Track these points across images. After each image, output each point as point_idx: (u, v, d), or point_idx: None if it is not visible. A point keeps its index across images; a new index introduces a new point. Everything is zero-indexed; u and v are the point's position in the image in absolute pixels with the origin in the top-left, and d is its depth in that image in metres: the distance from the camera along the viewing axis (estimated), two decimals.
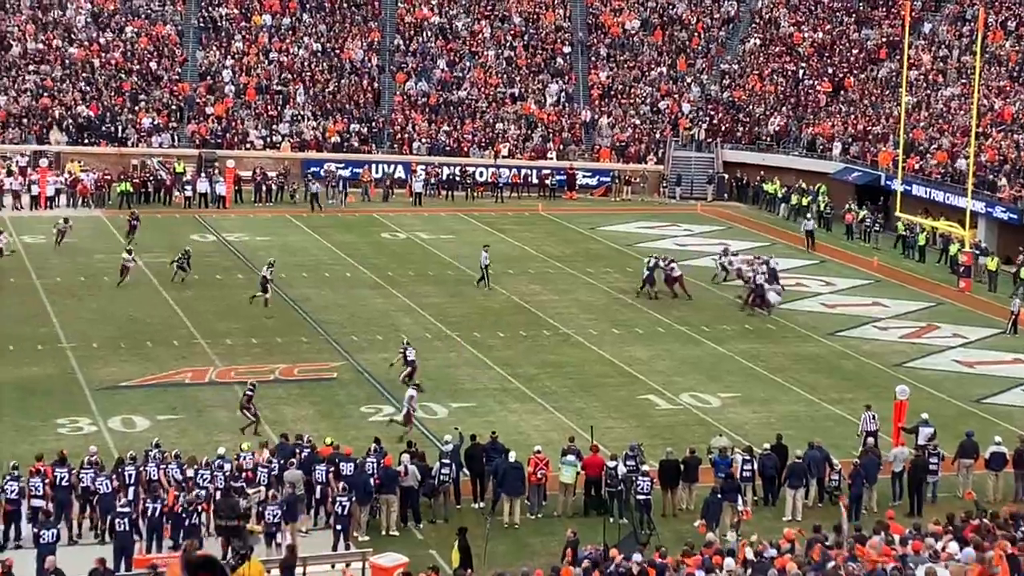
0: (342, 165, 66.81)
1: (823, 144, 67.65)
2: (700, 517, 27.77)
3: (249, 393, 32.64)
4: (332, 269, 50.94)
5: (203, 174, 63.20)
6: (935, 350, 42.78)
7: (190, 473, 27.58)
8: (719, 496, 28.03)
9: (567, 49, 77.35)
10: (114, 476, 27.00)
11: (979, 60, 58.47)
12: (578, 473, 29.88)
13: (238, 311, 43.39)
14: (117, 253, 49.02)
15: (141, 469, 27.47)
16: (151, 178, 62.91)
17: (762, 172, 68.36)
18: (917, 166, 60.86)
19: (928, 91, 67.55)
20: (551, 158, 70.40)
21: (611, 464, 29.26)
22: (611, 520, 27.87)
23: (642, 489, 28.25)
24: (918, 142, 62.80)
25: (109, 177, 61.99)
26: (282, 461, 28.56)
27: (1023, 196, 55.01)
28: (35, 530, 25.43)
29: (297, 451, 29.19)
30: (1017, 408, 36.70)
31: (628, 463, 29.41)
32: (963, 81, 66.22)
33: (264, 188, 63.73)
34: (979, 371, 40.19)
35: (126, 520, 25.57)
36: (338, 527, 26.93)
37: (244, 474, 27.99)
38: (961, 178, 56.54)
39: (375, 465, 28.49)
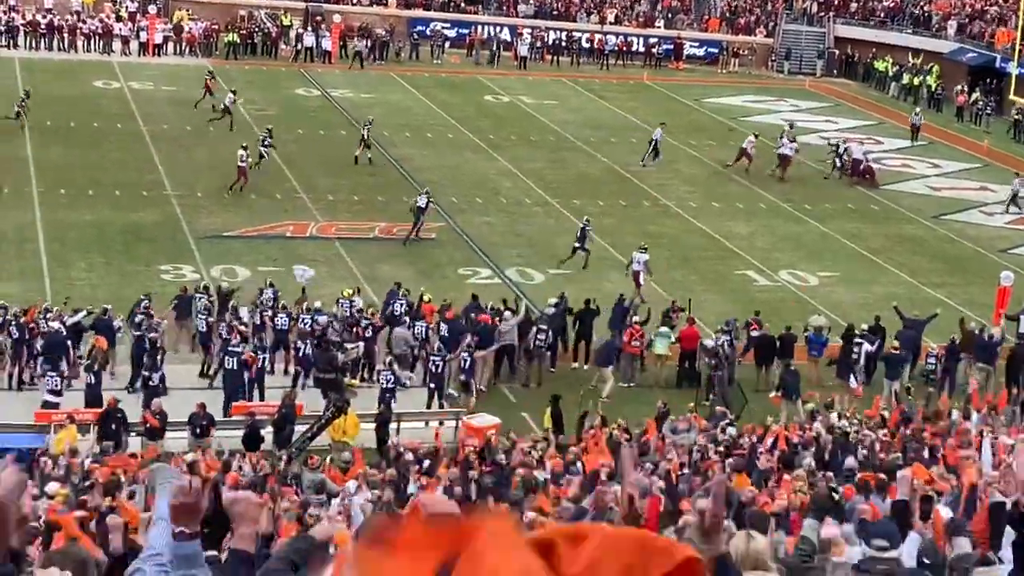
0: (448, 25, 66.41)
1: (938, 22, 66.07)
2: (776, 390, 28.11)
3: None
4: (434, 130, 50.92)
5: (309, 28, 63.17)
6: None
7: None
8: (794, 370, 28.24)
9: None
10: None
11: None
12: (672, 343, 30.05)
13: (340, 167, 43.60)
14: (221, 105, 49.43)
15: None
16: (258, 30, 63.01)
17: (874, 49, 66.99)
18: None
19: None
20: (659, 26, 69.44)
21: (708, 343, 29.39)
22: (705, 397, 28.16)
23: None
24: None
25: (217, 27, 62.14)
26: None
27: None
28: (144, 372, 26.18)
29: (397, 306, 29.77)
30: None
31: (723, 338, 29.49)
32: None
33: (370, 47, 63.49)
34: None
35: (235, 360, 26.23)
36: (431, 385, 27.31)
37: (348, 323, 28.59)
38: None
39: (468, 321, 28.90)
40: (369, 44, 62.56)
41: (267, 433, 24.29)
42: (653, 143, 46.55)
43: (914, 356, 30.22)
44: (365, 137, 44.48)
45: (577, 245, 35.72)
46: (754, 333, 30.33)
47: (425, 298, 30.32)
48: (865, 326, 30.68)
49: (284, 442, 23.72)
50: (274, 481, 18.56)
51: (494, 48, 65.34)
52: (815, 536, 10.06)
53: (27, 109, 45.18)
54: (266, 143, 42.56)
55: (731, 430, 22.84)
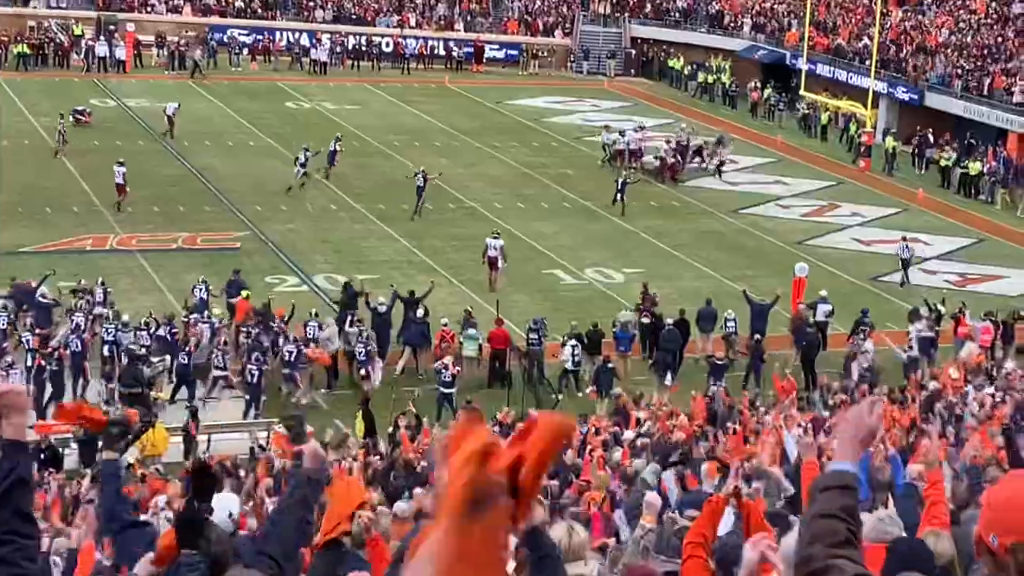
0: (245, 32, 65.70)
1: (731, 21, 67.68)
2: (591, 384, 28.75)
3: None
4: (235, 138, 50.33)
5: (102, 37, 61.84)
6: (834, 228, 43.43)
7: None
8: (609, 367, 28.80)
9: None
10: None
11: None
12: (481, 346, 30.25)
13: (139, 178, 42.75)
14: (13, 117, 48.17)
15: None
16: (49, 40, 61.44)
17: (667, 48, 68.35)
18: (822, 46, 61.14)
19: None
20: (459, 29, 69.74)
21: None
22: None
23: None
24: (824, 21, 63.05)
25: (6, 38, 60.43)
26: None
27: (924, 76, 55.56)
28: None
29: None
30: (911, 286, 37.39)
31: (531, 336, 29.84)
32: None
33: (168, 53, 62.43)
34: (876, 249, 40.79)
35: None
36: (246, 396, 27.05)
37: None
38: (865, 58, 56.91)
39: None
40: (201, 55, 61.70)
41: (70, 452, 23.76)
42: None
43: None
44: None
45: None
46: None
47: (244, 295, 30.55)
48: (670, 320, 31.30)
49: (89, 460, 23.19)
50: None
51: (296, 52, 64.80)
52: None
53: None
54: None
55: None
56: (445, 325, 30.14)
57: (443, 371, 27.89)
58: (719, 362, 29.50)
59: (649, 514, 9.84)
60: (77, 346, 27.32)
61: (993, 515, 3.44)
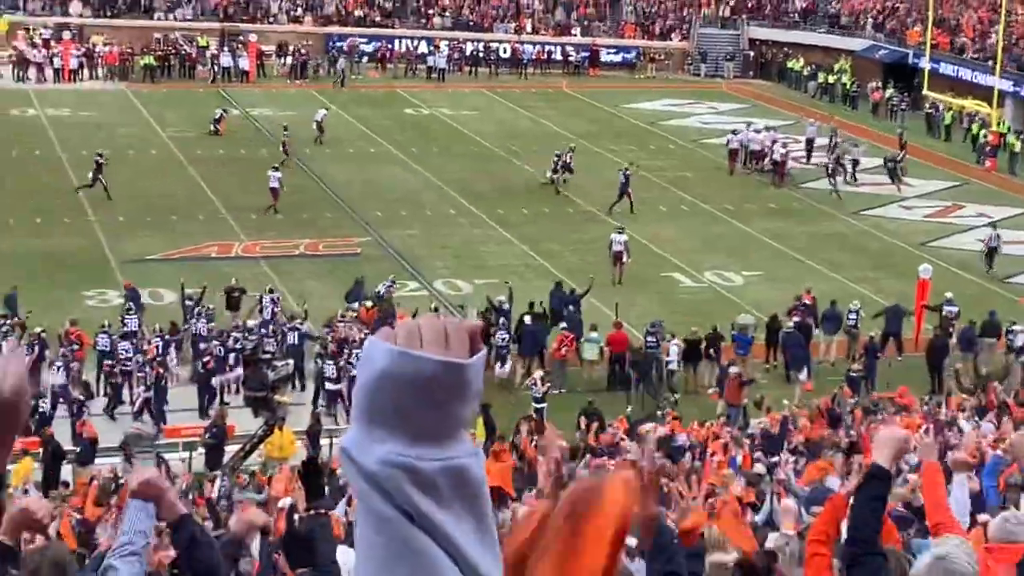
0: (365, 40, 66.36)
1: (850, 20, 66.93)
2: (715, 386, 28.77)
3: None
4: (356, 144, 50.86)
5: (226, 48, 62.90)
6: (959, 229, 42.73)
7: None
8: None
9: None
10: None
11: None
12: (602, 349, 30.27)
13: (263, 185, 43.32)
14: (139, 127, 49.28)
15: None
16: (175, 52, 62.61)
17: (786, 49, 67.76)
18: (946, 44, 60.21)
19: None
20: (575, 34, 69.79)
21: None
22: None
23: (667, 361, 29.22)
24: (947, 19, 62.08)
25: (131, 50, 61.66)
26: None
27: None
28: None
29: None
30: None
31: (649, 339, 29.83)
32: None
33: (292, 63, 63.34)
34: (1004, 251, 40.02)
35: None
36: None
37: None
38: (990, 56, 55.91)
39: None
40: (344, 62, 62.59)
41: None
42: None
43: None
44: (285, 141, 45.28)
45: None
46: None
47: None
48: (791, 324, 31.09)
49: (215, 463, 23.61)
50: (202, 503, 18.49)
51: (413, 59, 65.35)
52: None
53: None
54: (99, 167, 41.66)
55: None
56: (564, 328, 30.21)
57: (533, 387, 27.83)
58: (853, 374, 29.16)
59: (789, 521, 9.78)
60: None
61: None
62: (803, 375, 29.91)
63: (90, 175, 41.14)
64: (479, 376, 1.83)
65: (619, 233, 36.28)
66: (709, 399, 28.97)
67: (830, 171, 46.12)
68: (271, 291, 31.71)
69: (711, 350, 30.32)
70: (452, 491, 1.80)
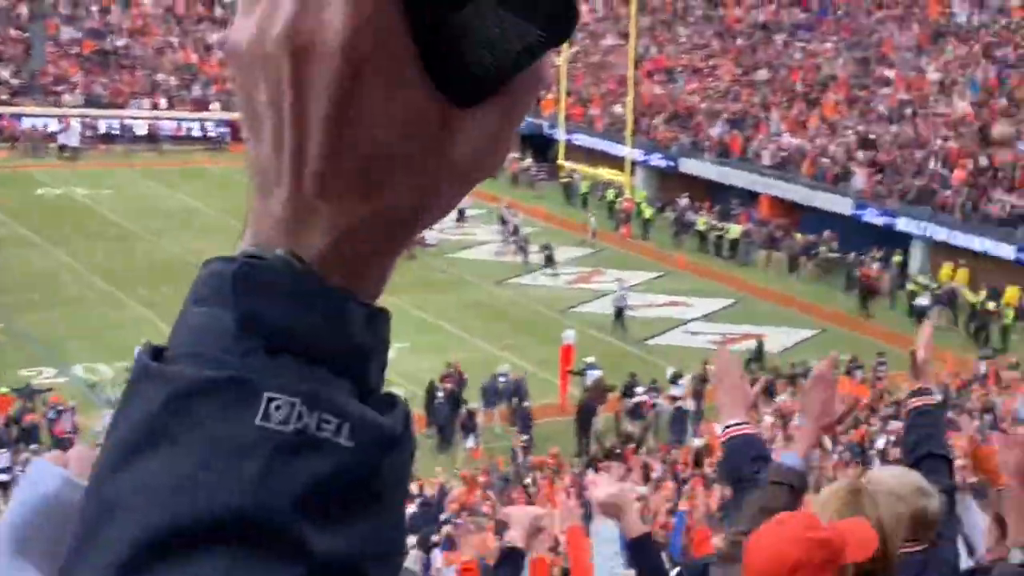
0: None
1: None
2: None
3: None
4: None
5: None
6: (600, 294, 43.94)
7: None
8: None
9: None
10: None
11: (633, 8, 59.87)
12: None
13: None
14: None
15: None
16: None
17: None
18: (579, 115, 62.25)
19: (587, 40, 69.24)
20: (214, 109, 68.82)
21: None
22: None
23: None
24: (579, 92, 64.25)
25: None
26: None
27: (678, 141, 56.98)
28: None
29: None
30: (675, 347, 38.01)
31: None
32: (619, 30, 67.90)
33: None
34: (641, 314, 41.35)
35: None
36: None
37: None
38: (620, 127, 58.05)
39: None
40: None
41: None
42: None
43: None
44: None
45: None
46: None
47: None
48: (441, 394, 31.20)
49: None
50: None
51: (41, 137, 63.00)
52: None
53: None
54: None
55: None
56: None
57: None
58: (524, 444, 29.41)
59: None
60: None
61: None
62: (470, 442, 30.05)
63: None
64: None
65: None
66: None
67: (522, 249, 46.70)
68: None
69: None
70: None
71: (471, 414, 31.14)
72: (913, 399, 4.55)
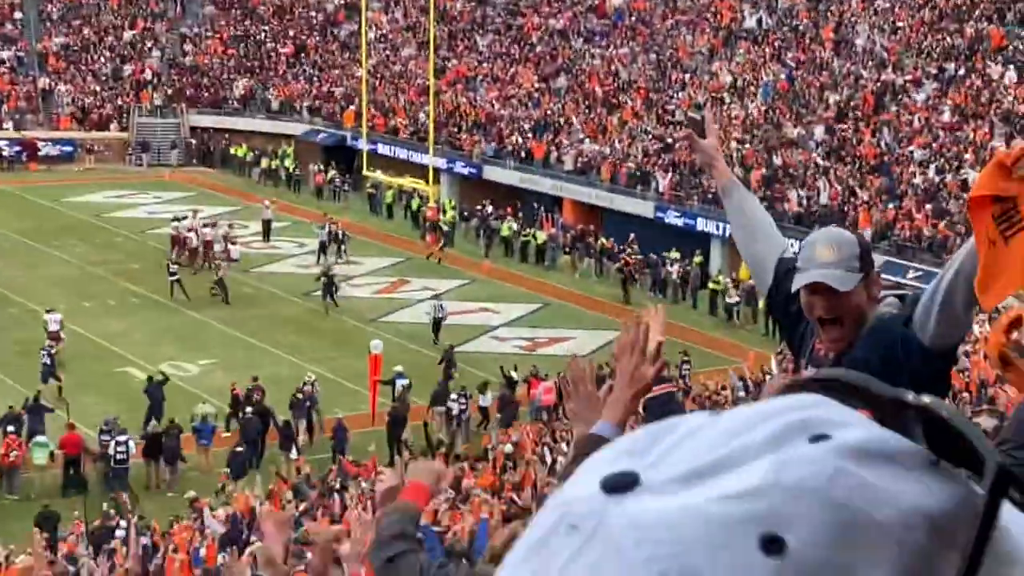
0: None
1: (286, 105, 68.06)
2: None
3: None
4: None
5: None
6: (407, 304, 44.07)
7: None
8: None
9: (18, 15, 73.78)
10: None
11: (431, 18, 60.18)
12: (52, 453, 29.04)
13: None
14: None
15: None
16: None
17: (227, 136, 68.01)
18: (382, 125, 62.26)
19: (387, 51, 69.32)
20: (8, 128, 67.04)
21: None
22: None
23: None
24: (380, 102, 64.28)
25: None
26: None
27: (481, 148, 57.41)
28: None
29: None
30: (483, 354, 38.35)
31: (103, 438, 28.95)
32: (419, 39, 68.05)
33: None
34: (450, 321, 41.48)
35: None
36: None
37: None
38: (423, 136, 58.23)
39: None
40: None
41: None
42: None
43: None
44: None
45: None
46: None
47: None
48: (250, 410, 30.99)
49: None
50: None
51: None
52: None
53: None
54: None
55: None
56: (11, 432, 28.78)
57: None
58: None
59: None
60: None
61: None
62: (292, 453, 30.00)
63: None
64: None
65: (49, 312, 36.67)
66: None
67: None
68: None
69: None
70: None
71: (287, 424, 31.00)
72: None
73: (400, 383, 32.62)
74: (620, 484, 0.63)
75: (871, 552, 0.62)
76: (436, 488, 4.75)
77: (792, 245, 4.57)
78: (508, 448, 26.76)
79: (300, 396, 32.22)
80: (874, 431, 0.69)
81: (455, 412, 32.37)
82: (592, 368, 3.98)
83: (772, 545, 0.59)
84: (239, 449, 29.84)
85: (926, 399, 0.75)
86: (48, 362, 34.03)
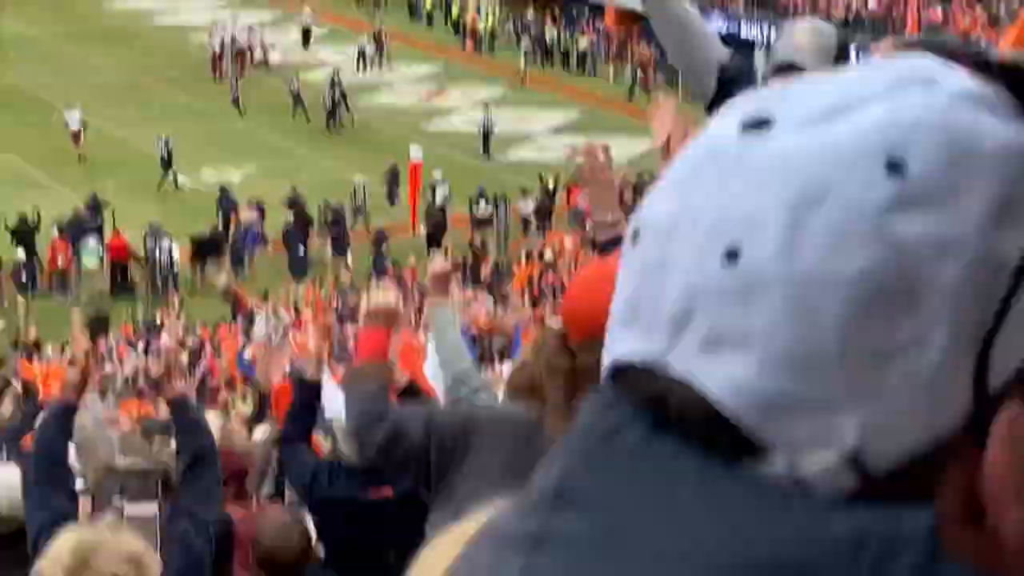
0: None
1: None
2: None
3: None
4: None
5: None
6: (449, 111, 43.68)
7: None
8: None
9: None
10: None
11: None
12: (101, 258, 29.54)
13: None
14: None
15: None
16: None
17: None
18: None
19: None
20: None
21: None
22: None
23: None
24: None
25: None
26: None
27: None
28: None
29: None
30: (523, 162, 38.17)
31: (149, 242, 29.43)
32: None
33: None
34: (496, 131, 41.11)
35: None
36: None
37: None
38: None
39: None
40: None
41: None
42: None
43: None
44: None
45: None
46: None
47: None
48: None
49: None
50: None
51: None
52: None
53: None
54: None
55: None
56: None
57: None
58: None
59: None
60: None
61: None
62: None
63: None
64: None
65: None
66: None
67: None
68: None
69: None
70: None
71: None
72: None
73: (440, 191, 32.77)
74: (758, 122, 0.73)
75: (977, 181, 0.71)
76: (394, 328, 4.53)
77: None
78: (548, 255, 26.98)
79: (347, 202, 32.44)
80: (978, 82, 0.77)
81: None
82: (608, 154, 4.08)
83: (895, 168, 0.70)
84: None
85: (1010, 54, 0.82)
86: None
